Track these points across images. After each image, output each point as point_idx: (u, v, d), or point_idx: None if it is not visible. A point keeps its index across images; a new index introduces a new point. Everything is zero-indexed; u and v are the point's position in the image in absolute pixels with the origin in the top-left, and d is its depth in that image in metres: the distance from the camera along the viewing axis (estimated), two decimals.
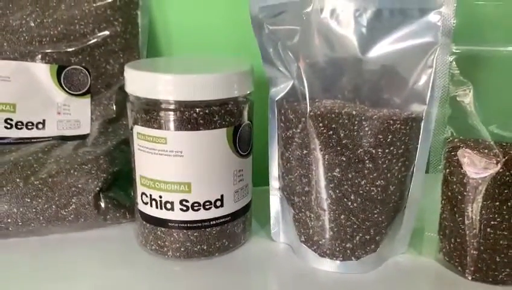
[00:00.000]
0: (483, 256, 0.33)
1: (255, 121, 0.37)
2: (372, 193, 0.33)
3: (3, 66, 0.41)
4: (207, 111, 0.33)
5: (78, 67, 0.43)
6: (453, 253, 0.34)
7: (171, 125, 0.33)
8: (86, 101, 0.43)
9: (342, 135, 0.33)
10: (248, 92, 0.35)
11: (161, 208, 0.34)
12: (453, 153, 0.33)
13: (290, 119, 0.35)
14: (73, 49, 0.43)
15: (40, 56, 0.42)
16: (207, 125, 0.33)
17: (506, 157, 0.31)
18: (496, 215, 0.32)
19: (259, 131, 0.39)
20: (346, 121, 0.32)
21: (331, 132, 0.33)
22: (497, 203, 0.32)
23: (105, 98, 0.44)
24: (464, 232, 0.33)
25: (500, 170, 0.31)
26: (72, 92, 0.43)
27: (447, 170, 0.34)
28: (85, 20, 0.43)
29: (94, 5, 0.43)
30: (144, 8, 0.45)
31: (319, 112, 0.33)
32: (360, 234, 0.34)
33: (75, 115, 0.43)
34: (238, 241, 0.37)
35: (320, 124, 0.33)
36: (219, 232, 0.35)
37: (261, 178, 0.41)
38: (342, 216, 0.34)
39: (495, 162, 0.31)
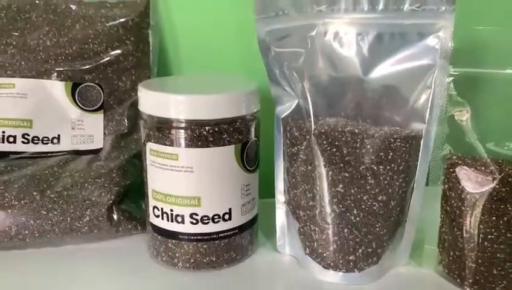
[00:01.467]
0: (481, 269, 0.34)
1: (261, 135, 0.39)
2: (374, 208, 0.35)
3: (21, 83, 0.43)
4: (216, 129, 0.34)
5: (91, 84, 0.45)
6: (452, 265, 0.36)
7: (182, 142, 0.34)
8: (99, 116, 0.45)
9: (345, 152, 0.34)
10: (255, 110, 0.37)
11: (172, 221, 0.36)
12: (451, 170, 0.35)
13: (295, 137, 0.36)
14: (87, 67, 0.44)
15: (55, 74, 0.44)
16: (216, 142, 0.34)
17: (502, 174, 0.33)
18: (493, 230, 0.33)
19: (265, 144, 0.40)
20: (349, 138, 0.34)
21: (334, 149, 0.34)
22: (494, 218, 0.33)
23: (117, 113, 0.45)
24: (463, 246, 0.34)
25: (497, 186, 0.33)
26: (85, 108, 0.45)
27: (446, 186, 0.35)
28: (99, 39, 0.45)
29: (107, 24, 0.45)
30: (155, 27, 0.47)
31: (323, 130, 0.34)
32: (363, 247, 0.35)
33: (89, 130, 0.45)
34: (245, 253, 0.39)
35: (324, 142, 0.34)
36: (227, 245, 0.37)
37: (266, 191, 0.42)
38: (345, 230, 0.35)
39: (491, 178, 0.33)
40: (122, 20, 0.45)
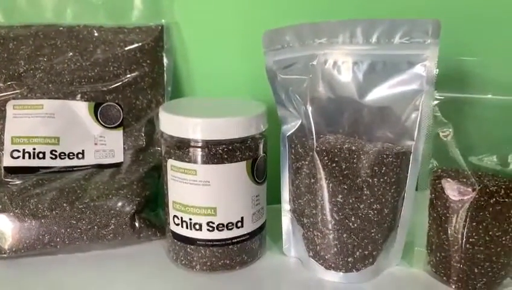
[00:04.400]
0: (464, 268, 0.39)
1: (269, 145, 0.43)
2: (370, 215, 0.39)
3: (49, 104, 0.47)
4: (230, 147, 0.39)
5: (112, 103, 0.49)
6: (439, 265, 0.40)
7: (200, 159, 0.39)
8: (119, 133, 0.49)
9: (343, 166, 0.39)
10: (263, 130, 0.41)
11: (191, 229, 0.40)
12: (437, 181, 0.39)
13: (299, 153, 0.41)
14: (108, 88, 0.49)
15: (79, 95, 0.48)
16: (230, 159, 0.39)
17: (481, 186, 0.37)
18: (474, 234, 0.38)
19: (270, 156, 0.45)
20: (347, 155, 0.39)
21: (334, 164, 0.39)
22: (474, 224, 0.38)
23: (135, 129, 0.50)
24: (448, 248, 0.39)
25: (476, 196, 0.37)
26: (107, 125, 0.49)
27: (433, 195, 0.40)
28: (118, 62, 0.49)
29: (125, 48, 0.49)
30: (169, 50, 0.52)
31: (324, 148, 0.39)
32: (360, 250, 0.40)
33: (110, 146, 0.49)
34: (255, 256, 0.43)
35: (325, 158, 0.39)
36: (239, 249, 0.41)
37: (272, 197, 0.47)
38: (344, 235, 0.40)
39: (471, 189, 0.37)
40: (138, 44, 0.50)
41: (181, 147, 0.39)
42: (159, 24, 0.52)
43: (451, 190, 0.38)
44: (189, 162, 0.39)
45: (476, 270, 0.38)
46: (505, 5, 0.55)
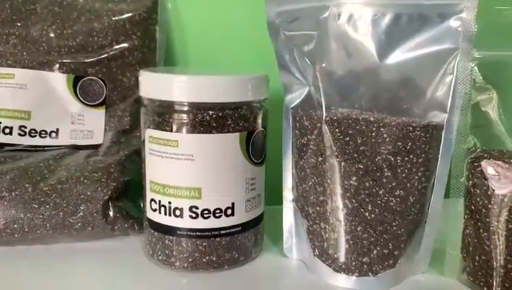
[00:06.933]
0: (510, 275, 0.31)
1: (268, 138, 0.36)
2: (391, 204, 0.32)
3: (21, 74, 0.41)
4: (220, 114, 0.32)
5: (94, 78, 0.43)
6: (478, 272, 0.32)
7: (183, 127, 0.32)
8: (101, 112, 0.43)
9: (359, 141, 0.31)
10: (262, 98, 0.34)
11: (170, 215, 0.33)
12: (476, 164, 0.32)
13: (305, 126, 0.34)
14: (90, 60, 0.43)
15: (57, 66, 0.42)
16: (220, 128, 0.32)
17: None
18: None
19: (272, 150, 0.38)
20: (363, 127, 0.31)
21: (347, 138, 0.32)
22: None
23: (119, 109, 0.44)
24: (489, 249, 0.31)
25: None
26: (87, 103, 0.43)
27: (470, 182, 0.32)
28: (104, 32, 0.43)
29: (113, 18, 0.44)
30: (162, 24, 0.46)
31: (335, 118, 0.32)
32: (378, 248, 0.32)
33: (89, 125, 0.43)
34: (248, 254, 0.36)
35: (337, 130, 0.32)
36: (229, 243, 0.34)
37: (273, 197, 0.40)
38: (359, 228, 0.32)
39: None
40: (129, 14, 0.44)
41: (162, 113, 0.32)
42: None
43: (495, 174, 0.31)
44: (170, 131, 0.32)
45: None
46: None
